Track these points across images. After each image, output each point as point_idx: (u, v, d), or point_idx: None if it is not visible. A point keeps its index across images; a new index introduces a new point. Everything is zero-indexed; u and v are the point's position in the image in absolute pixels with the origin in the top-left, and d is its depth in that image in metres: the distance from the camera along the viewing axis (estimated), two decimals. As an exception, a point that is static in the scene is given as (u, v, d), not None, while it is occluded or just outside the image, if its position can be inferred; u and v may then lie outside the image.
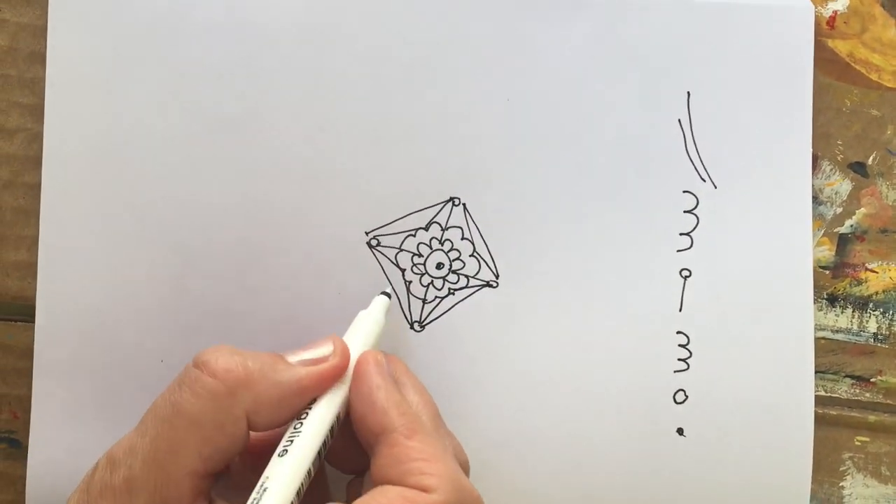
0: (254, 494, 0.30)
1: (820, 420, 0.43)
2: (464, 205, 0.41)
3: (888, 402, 0.44)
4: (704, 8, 0.41)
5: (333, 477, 0.37)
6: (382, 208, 0.41)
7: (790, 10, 0.41)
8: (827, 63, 0.43)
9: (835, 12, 0.43)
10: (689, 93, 0.41)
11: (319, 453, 0.33)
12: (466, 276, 0.41)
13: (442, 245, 0.41)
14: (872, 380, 0.44)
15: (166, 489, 0.31)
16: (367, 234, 0.41)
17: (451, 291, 0.41)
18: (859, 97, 0.43)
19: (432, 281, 0.41)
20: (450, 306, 0.41)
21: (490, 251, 0.41)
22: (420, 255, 0.41)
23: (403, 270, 0.41)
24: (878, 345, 0.44)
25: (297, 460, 0.31)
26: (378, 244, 0.41)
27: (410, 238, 0.41)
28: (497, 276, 0.41)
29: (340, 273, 0.41)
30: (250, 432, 0.33)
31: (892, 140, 0.43)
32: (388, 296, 0.39)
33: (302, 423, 0.33)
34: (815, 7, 0.43)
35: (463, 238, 0.41)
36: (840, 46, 0.43)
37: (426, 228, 0.41)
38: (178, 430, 0.31)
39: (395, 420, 0.32)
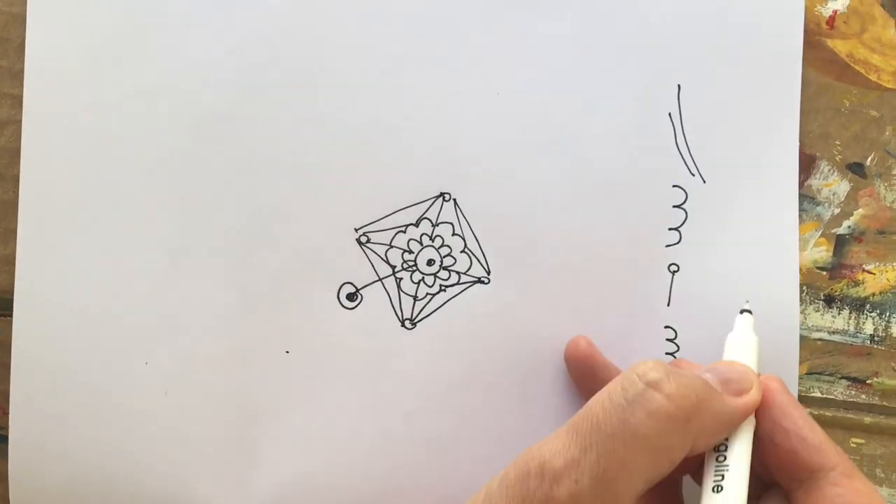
0: None
1: (815, 421, 0.42)
2: (454, 200, 0.41)
3: (884, 404, 0.43)
4: (695, 2, 0.41)
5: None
6: (372, 204, 0.41)
7: (781, 4, 0.41)
8: (825, 63, 0.43)
9: (834, 12, 0.43)
10: (679, 86, 0.41)
11: None
12: (458, 273, 0.41)
13: (433, 241, 0.41)
14: (869, 381, 0.43)
15: None
16: (356, 230, 0.41)
17: (443, 288, 0.41)
18: (858, 97, 0.43)
19: (423, 278, 0.41)
20: (441, 303, 0.41)
21: (481, 247, 0.41)
22: (411, 252, 0.41)
23: (394, 267, 0.41)
24: (875, 346, 0.43)
25: (735, 498, 0.32)
26: (368, 241, 0.41)
27: (401, 234, 0.41)
28: (488, 273, 0.41)
29: (331, 270, 0.41)
30: None
31: (890, 141, 0.43)
32: (750, 312, 0.38)
33: (725, 457, 0.33)
34: (815, 6, 0.42)
35: (454, 234, 0.41)
36: (839, 46, 0.43)
37: (416, 224, 0.41)
38: (630, 451, 0.30)
39: (834, 458, 0.32)
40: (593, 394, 0.32)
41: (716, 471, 0.32)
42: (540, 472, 0.30)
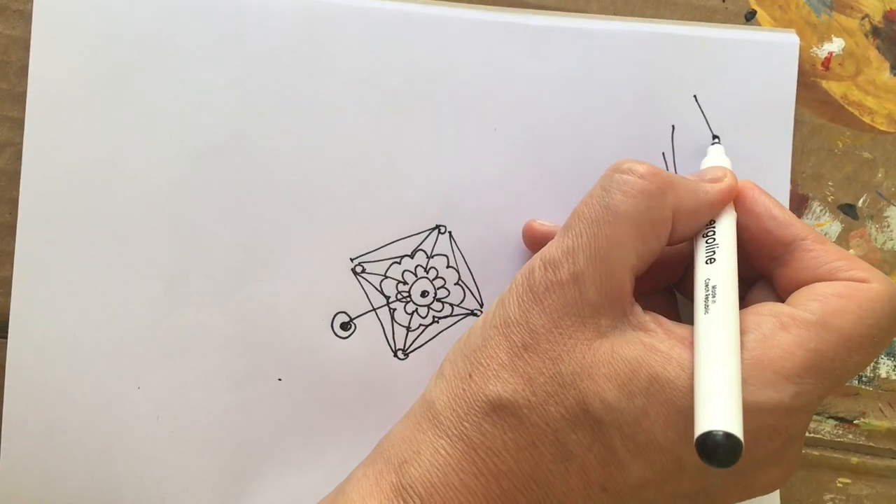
0: (701, 293, 0.33)
1: (803, 460, 0.43)
2: (449, 233, 0.41)
3: (871, 444, 0.44)
4: (690, 41, 0.41)
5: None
6: (368, 234, 0.41)
7: (775, 44, 0.42)
8: (820, 104, 0.43)
9: (830, 53, 0.43)
10: (673, 126, 0.42)
11: None
12: (451, 305, 0.42)
13: (427, 273, 0.41)
14: (856, 422, 0.44)
15: (610, 283, 0.32)
16: (352, 260, 0.41)
17: (436, 320, 0.41)
18: (851, 139, 0.43)
19: (417, 309, 0.41)
20: (434, 334, 0.41)
21: (475, 280, 0.42)
22: (405, 283, 0.41)
23: (388, 298, 0.41)
24: (863, 387, 0.44)
25: (728, 265, 0.34)
26: (363, 271, 0.41)
27: (395, 265, 0.41)
28: (481, 305, 0.42)
29: (325, 299, 0.41)
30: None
31: (882, 183, 0.44)
32: (719, 141, 0.41)
33: (714, 239, 0.35)
34: (811, 48, 0.43)
35: (448, 266, 0.41)
36: (834, 88, 0.43)
37: (411, 256, 0.41)
38: (616, 227, 0.32)
39: (804, 230, 0.35)
40: None
41: (706, 248, 0.35)
42: (542, 265, 0.33)
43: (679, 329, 0.33)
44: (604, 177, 0.34)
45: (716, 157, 0.39)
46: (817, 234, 0.35)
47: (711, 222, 0.36)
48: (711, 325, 0.31)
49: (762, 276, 0.37)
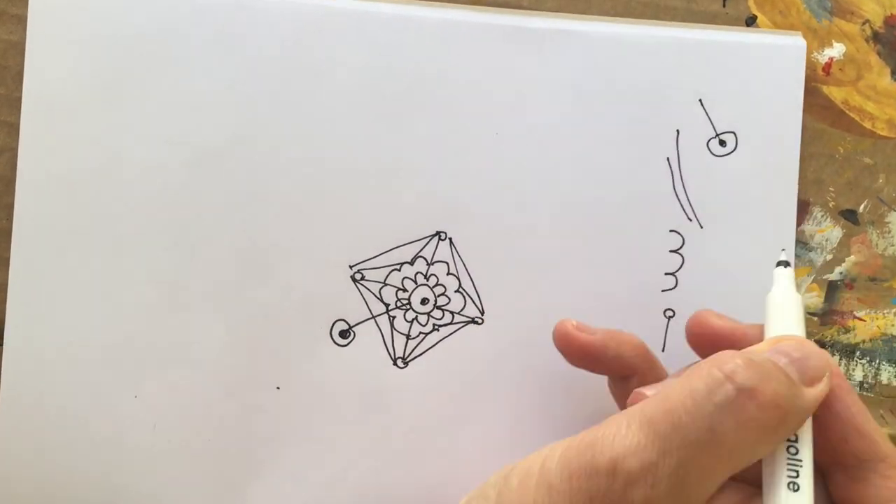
0: None
1: None
2: (450, 239, 0.41)
3: None
4: (695, 45, 0.41)
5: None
6: (367, 241, 0.41)
7: (782, 48, 0.42)
8: (821, 109, 0.43)
9: (831, 59, 0.43)
10: (678, 131, 0.42)
11: None
12: (451, 313, 0.41)
13: (427, 280, 0.41)
14: None
15: None
16: (351, 267, 0.41)
17: (436, 328, 0.41)
18: (852, 144, 0.44)
19: (416, 317, 0.41)
20: (434, 343, 0.41)
21: (476, 287, 0.41)
22: (405, 290, 0.41)
23: (388, 305, 0.41)
24: (864, 393, 0.44)
25: (810, 495, 0.30)
26: (362, 278, 0.41)
27: (395, 272, 0.41)
28: (482, 313, 0.41)
29: (324, 307, 0.41)
30: None
31: (883, 189, 0.44)
32: (789, 264, 0.35)
33: (797, 450, 0.31)
34: (812, 53, 0.43)
35: (448, 273, 0.41)
36: (835, 93, 0.44)
37: (411, 263, 0.41)
38: (714, 459, 0.28)
39: (885, 449, 0.32)
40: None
41: (788, 466, 0.31)
42: (612, 470, 0.28)
43: None
44: (713, 380, 0.29)
45: (787, 295, 0.34)
46: None
47: None
48: None
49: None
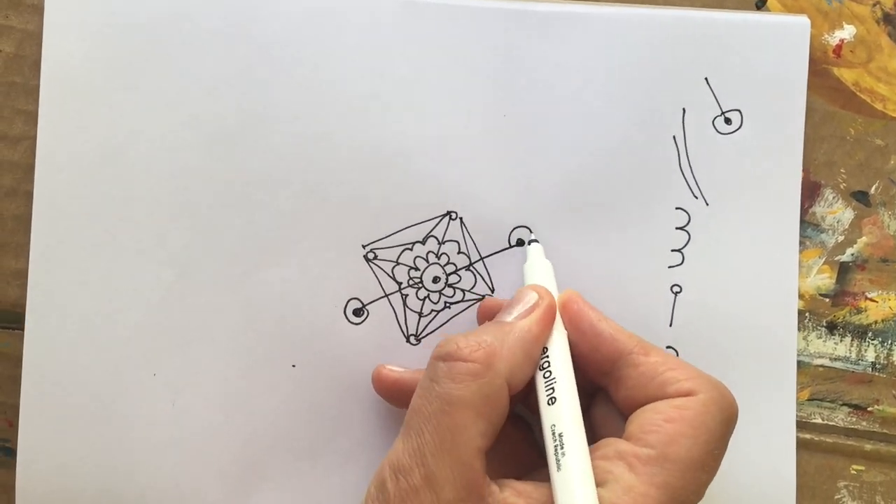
0: (551, 443, 0.34)
1: (816, 448, 0.44)
2: (461, 219, 0.42)
3: (885, 431, 0.44)
4: (701, 25, 0.42)
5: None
6: (379, 221, 0.42)
7: (786, 27, 0.43)
8: (832, 91, 0.44)
9: (841, 41, 0.44)
10: (684, 109, 0.43)
11: None
12: (462, 290, 0.43)
13: (438, 259, 0.42)
14: (870, 409, 0.44)
15: (464, 474, 0.32)
16: (364, 246, 0.42)
17: (447, 305, 0.43)
18: (863, 126, 0.44)
19: (428, 294, 0.43)
20: (445, 320, 0.43)
21: (486, 265, 0.43)
22: (417, 269, 0.42)
23: (400, 284, 0.42)
24: (876, 374, 0.44)
25: (570, 400, 0.35)
26: (375, 257, 0.42)
27: (407, 251, 0.42)
28: (493, 291, 0.43)
29: (337, 285, 0.42)
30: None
31: (895, 170, 0.44)
32: (538, 241, 0.41)
33: (550, 372, 0.36)
34: (822, 35, 0.44)
35: (459, 252, 0.43)
36: (846, 75, 0.44)
37: (423, 242, 0.42)
38: (453, 415, 0.33)
39: (628, 343, 0.36)
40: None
41: (545, 385, 0.35)
42: (393, 474, 0.33)
43: (537, 492, 0.34)
44: (429, 366, 0.35)
45: (535, 261, 0.40)
46: (642, 345, 0.36)
47: (545, 349, 0.36)
48: (567, 485, 0.32)
49: (601, 387, 0.38)
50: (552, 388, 0.35)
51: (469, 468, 0.32)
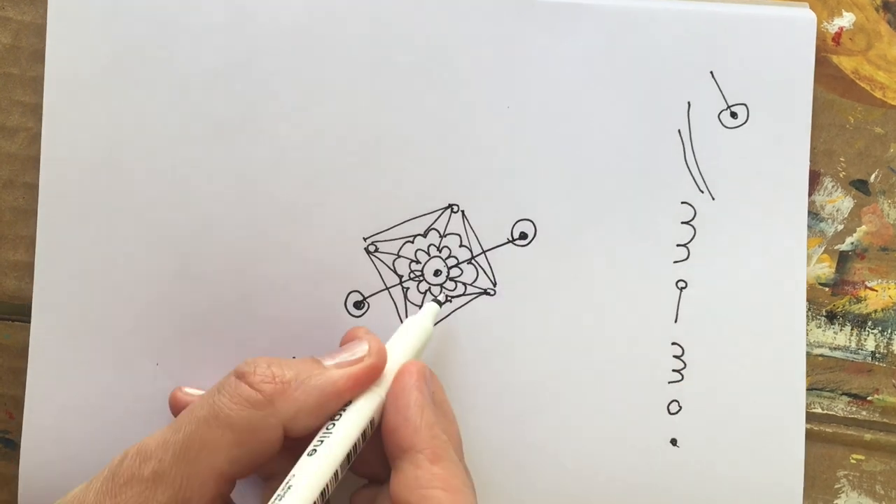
0: (278, 491, 0.32)
1: (816, 437, 0.44)
2: (462, 212, 0.42)
3: (884, 420, 0.45)
4: (706, 18, 0.42)
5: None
6: (381, 214, 0.42)
7: (792, 20, 0.42)
8: (831, 79, 0.44)
9: (840, 28, 0.44)
10: (689, 103, 0.42)
11: (349, 456, 0.34)
12: (464, 284, 0.43)
13: (440, 252, 0.42)
14: (869, 398, 0.44)
15: (190, 486, 0.32)
16: (365, 239, 0.42)
17: (449, 299, 0.42)
18: (863, 114, 0.44)
19: (430, 288, 0.42)
20: (447, 313, 0.43)
21: (488, 259, 0.43)
22: (418, 262, 0.42)
23: (401, 277, 0.42)
24: (876, 363, 0.45)
25: (326, 460, 0.33)
26: (376, 250, 0.42)
27: (408, 244, 0.42)
28: (494, 285, 0.43)
29: (338, 278, 0.42)
30: (286, 437, 0.34)
31: (894, 158, 0.44)
32: (440, 304, 0.41)
33: (334, 425, 0.34)
34: (821, 23, 0.44)
35: (461, 245, 0.42)
36: (845, 63, 0.44)
37: (424, 235, 0.42)
38: (212, 428, 0.33)
39: (425, 441, 0.34)
40: None
41: (319, 437, 0.34)
42: (136, 453, 0.33)
43: None
44: (228, 374, 0.34)
45: (415, 321, 0.40)
46: (441, 452, 0.34)
47: (346, 405, 0.35)
48: None
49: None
50: (321, 442, 0.34)
51: (200, 484, 0.32)
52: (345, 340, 0.38)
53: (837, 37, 0.44)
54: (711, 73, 0.42)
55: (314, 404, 0.34)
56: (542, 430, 0.42)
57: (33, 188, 0.42)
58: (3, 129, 0.43)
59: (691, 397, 0.42)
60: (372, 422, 0.35)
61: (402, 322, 0.42)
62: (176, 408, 0.41)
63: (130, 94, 0.42)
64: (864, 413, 0.45)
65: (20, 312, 0.43)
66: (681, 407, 0.43)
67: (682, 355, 0.43)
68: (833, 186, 0.44)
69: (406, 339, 0.38)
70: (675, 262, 0.43)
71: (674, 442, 0.43)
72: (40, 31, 0.42)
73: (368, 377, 0.36)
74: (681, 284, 0.43)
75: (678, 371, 0.43)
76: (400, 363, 0.37)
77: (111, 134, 0.42)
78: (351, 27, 0.42)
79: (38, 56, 0.42)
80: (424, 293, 0.43)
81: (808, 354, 0.44)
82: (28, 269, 0.43)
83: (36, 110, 0.43)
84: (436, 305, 0.41)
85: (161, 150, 0.42)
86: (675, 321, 0.43)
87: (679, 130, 0.42)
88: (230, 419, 0.33)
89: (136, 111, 0.42)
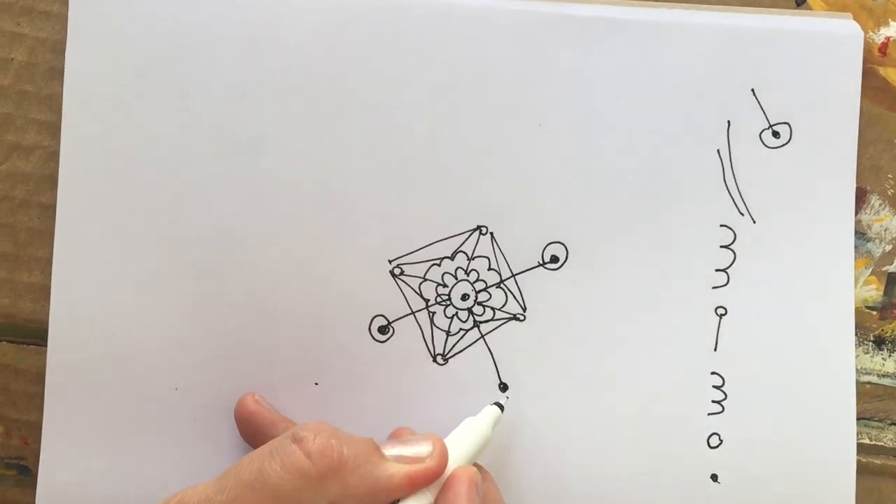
0: None
1: (864, 469, 0.43)
2: (491, 234, 0.42)
3: None
4: (748, 33, 0.41)
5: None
6: (407, 236, 0.41)
7: (838, 37, 0.41)
8: (878, 92, 0.43)
9: (887, 38, 0.43)
10: (729, 122, 0.42)
11: None
12: (492, 309, 0.42)
13: (468, 275, 0.42)
14: None
15: None
16: (390, 262, 0.42)
17: (477, 324, 0.42)
18: None
19: (457, 312, 0.42)
20: (474, 339, 0.42)
21: (518, 283, 0.42)
22: (445, 286, 0.42)
23: (427, 301, 0.42)
24: None
25: None
26: (402, 273, 0.42)
27: (435, 267, 0.42)
28: (524, 310, 0.42)
29: (363, 302, 0.41)
30: None
31: None
32: (502, 408, 0.40)
33: None
34: (867, 33, 0.43)
35: (490, 269, 0.42)
36: (892, 75, 0.43)
37: (452, 258, 0.42)
38: (257, 495, 0.32)
39: None
40: None
41: None
42: None
43: None
44: (284, 435, 0.33)
45: (475, 423, 0.39)
46: None
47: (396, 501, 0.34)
48: None
49: None
50: None
51: None
52: (401, 435, 0.38)
53: (884, 47, 0.43)
54: (752, 90, 0.42)
55: (364, 493, 0.33)
56: (574, 462, 0.42)
57: (49, 208, 0.42)
58: (19, 148, 0.43)
59: (733, 430, 0.42)
60: None
61: (427, 346, 0.42)
62: (240, 411, 0.40)
63: (150, 112, 0.41)
64: (913, 444, 0.44)
65: (36, 336, 0.43)
66: (721, 440, 0.42)
67: (722, 385, 0.42)
68: (880, 205, 0.43)
69: (463, 442, 0.37)
70: (714, 287, 0.42)
71: (714, 478, 0.42)
72: (56, 48, 0.42)
73: (426, 480, 0.35)
74: (720, 311, 0.42)
75: (718, 402, 0.42)
76: (454, 466, 0.36)
77: (129, 152, 0.41)
78: (374, 43, 0.41)
79: (54, 73, 0.42)
80: (451, 318, 0.42)
81: (855, 382, 0.43)
82: (44, 292, 0.42)
83: (51, 128, 0.42)
84: (497, 410, 0.40)
85: (180, 171, 0.41)
86: (715, 350, 0.42)
87: (718, 150, 0.42)
88: (277, 489, 0.32)
89: (155, 129, 0.41)
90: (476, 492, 0.35)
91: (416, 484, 0.34)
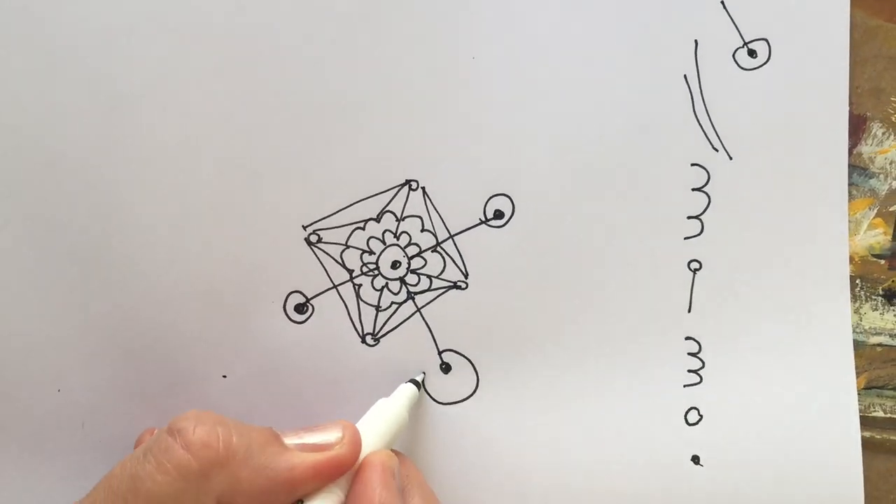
0: None
1: (878, 448, 0.42)
2: (423, 189, 0.39)
3: None
4: None
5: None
6: (323, 196, 0.39)
7: None
8: (874, 1, 0.40)
9: None
10: (696, 41, 0.39)
11: None
12: (429, 277, 0.40)
13: (398, 239, 0.40)
14: None
15: None
16: (304, 228, 0.39)
17: (411, 296, 0.40)
18: None
19: (387, 283, 0.40)
20: (409, 314, 0.40)
21: (457, 245, 0.40)
22: (371, 253, 0.40)
23: (351, 271, 0.40)
24: None
25: None
26: (319, 240, 0.39)
27: (359, 231, 0.39)
28: (466, 276, 0.40)
29: (275, 278, 0.39)
30: None
31: None
32: (419, 385, 0.39)
33: None
34: None
35: (423, 230, 0.40)
36: None
37: (378, 219, 0.39)
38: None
39: None
40: None
41: None
42: None
43: None
44: (160, 431, 0.31)
45: (389, 405, 0.37)
46: None
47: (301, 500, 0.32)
48: None
49: None
50: None
51: None
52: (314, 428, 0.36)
53: (881, -52, 0.40)
54: (722, 2, 0.39)
55: (259, 490, 0.31)
56: (530, 457, 0.41)
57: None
58: None
59: (713, 404, 0.40)
60: None
61: (354, 325, 0.39)
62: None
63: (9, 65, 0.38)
64: (934, 420, 0.42)
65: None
66: (701, 416, 0.41)
67: (698, 352, 0.41)
68: (884, 133, 0.41)
69: (377, 426, 0.36)
70: (686, 238, 0.40)
71: (695, 459, 0.41)
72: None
73: (336, 470, 0.33)
74: (694, 266, 0.40)
75: (695, 372, 0.41)
76: (367, 453, 0.34)
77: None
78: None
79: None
80: (381, 290, 0.40)
81: (864, 345, 0.42)
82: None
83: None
84: (413, 388, 0.39)
85: (46, 133, 0.38)
86: (689, 311, 0.40)
87: (685, 76, 0.39)
88: (152, 493, 0.29)
89: (10, 82, 0.38)
90: (392, 477, 0.34)
91: (324, 475, 0.32)
